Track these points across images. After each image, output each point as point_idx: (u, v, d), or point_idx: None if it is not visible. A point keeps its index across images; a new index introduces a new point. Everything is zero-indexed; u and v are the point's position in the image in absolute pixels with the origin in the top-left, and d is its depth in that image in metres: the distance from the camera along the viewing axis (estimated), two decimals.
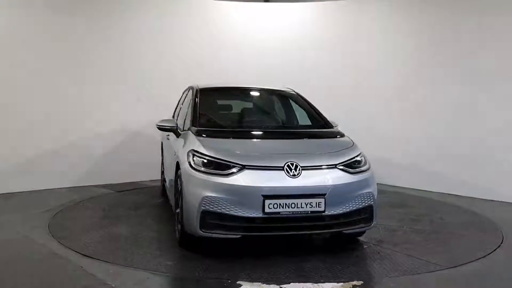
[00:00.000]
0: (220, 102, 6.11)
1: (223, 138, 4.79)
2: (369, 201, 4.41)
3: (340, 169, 4.38)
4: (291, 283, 3.73)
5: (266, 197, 4.07)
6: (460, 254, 4.52)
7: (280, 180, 4.17)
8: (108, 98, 7.59)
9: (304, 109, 5.66)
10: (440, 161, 7.37)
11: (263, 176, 4.19)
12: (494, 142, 6.88)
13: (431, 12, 7.51)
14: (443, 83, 7.39)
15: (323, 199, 4.16)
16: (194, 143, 4.55)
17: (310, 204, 4.14)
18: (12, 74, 6.83)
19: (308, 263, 4.20)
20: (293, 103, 5.88)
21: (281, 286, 3.67)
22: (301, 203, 4.12)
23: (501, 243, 4.88)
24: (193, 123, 5.01)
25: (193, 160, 4.34)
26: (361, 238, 4.85)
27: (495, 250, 4.66)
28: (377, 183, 4.64)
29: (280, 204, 4.09)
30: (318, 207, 4.15)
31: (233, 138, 4.83)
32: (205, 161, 4.30)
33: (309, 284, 3.72)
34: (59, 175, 7.19)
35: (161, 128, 5.35)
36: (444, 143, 7.35)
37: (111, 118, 7.60)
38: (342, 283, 3.75)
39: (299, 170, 4.23)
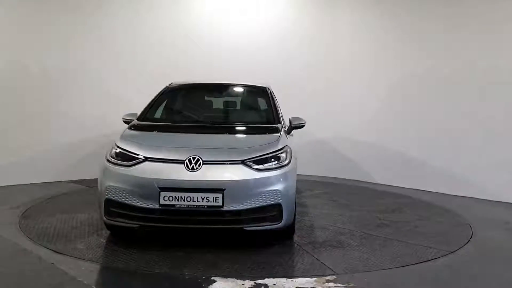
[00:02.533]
0: (182, 98, 6.07)
1: (150, 131, 4.99)
2: (276, 199, 4.28)
3: (246, 165, 4.31)
4: (265, 278, 3.75)
5: (162, 189, 4.15)
6: (376, 263, 4.21)
7: (178, 173, 4.22)
8: (84, 95, 7.53)
9: (264, 105, 5.64)
10: (435, 160, 7.41)
11: (161, 169, 4.26)
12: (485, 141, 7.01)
13: (415, 10, 7.64)
14: (430, 81, 7.51)
15: (221, 194, 4.15)
16: (120, 135, 4.76)
17: (206, 198, 4.14)
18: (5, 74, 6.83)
19: (198, 255, 4.23)
20: (256, 99, 5.91)
21: (255, 281, 3.70)
22: (197, 197, 4.14)
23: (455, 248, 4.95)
24: (138, 117, 5.28)
25: (110, 152, 4.53)
26: (295, 237, 4.81)
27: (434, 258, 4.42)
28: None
29: (175, 197, 4.14)
30: (216, 202, 4.15)
31: (159, 131, 4.99)
32: (117, 152, 4.48)
33: (283, 280, 3.75)
34: (30, 171, 7.06)
35: (125, 121, 5.37)
36: (433, 143, 7.48)
37: (83, 113, 7.48)
38: (315, 278, 3.80)
39: (200, 164, 4.24)
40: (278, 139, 4.70)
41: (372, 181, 7.95)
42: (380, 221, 5.58)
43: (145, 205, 4.19)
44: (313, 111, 7.86)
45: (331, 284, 3.70)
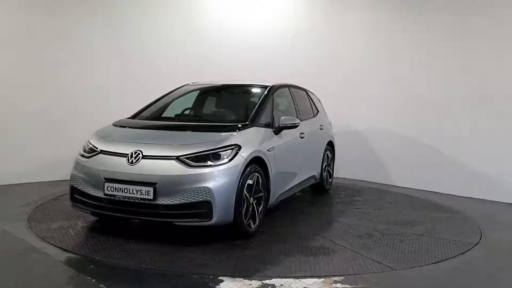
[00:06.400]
0: (179, 98, 6.15)
1: (124, 127, 5.17)
2: (205, 196, 4.30)
3: (181, 161, 4.37)
4: (273, 279, 3.75)
5: (106, 180, 4.47)
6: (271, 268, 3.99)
7: (120, 166, 4.48)
8: (92, 94, 7.57)
9: (254, 104, 5.51)
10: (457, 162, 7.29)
11: (108, 161, 4.58)
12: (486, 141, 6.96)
13: (422, 10, 7.59)
14: (428, 83, 7.48)
15: (153, 188, 4.29)
16: (95, 131, 5.14)
17: (140, 191, 4.34)
18: (13, 72, 6.97)
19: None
20: (250, 99, 5.92)
21: (262, 281, 3.69)
22: (132, 189, 4.36)
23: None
24: (131, 116, 5.64)
25: (84, 146, 4.92)
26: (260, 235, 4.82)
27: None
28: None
29: (115, 187, 4.42)
30: (147, 195, 4.31)
31: (130, 128, 5.16)
32: (87, 146, 4.87)
33: (290, 280, 3.74)
34: (39, 169, 7.12)
35: None
36: (437, 142, 7.45)
37: (91, 112, 7.48)
38: (323, 279, 3.79)
39: (139, 158, 4.43)
40: (228, 137, 4.64)
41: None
42: (373, 233, 5.11)
43: (95, 193, 4.54)
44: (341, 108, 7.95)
45: (338, 285, 3.69)
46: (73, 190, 4.77)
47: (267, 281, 3.70)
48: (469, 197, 7.03)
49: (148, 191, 4.31)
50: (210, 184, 4.33)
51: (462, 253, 4.57)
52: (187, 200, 4.30)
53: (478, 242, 4.92)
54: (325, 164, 6.99)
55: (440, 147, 7.42)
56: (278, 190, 5.38)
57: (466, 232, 5.32)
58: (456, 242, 4.88)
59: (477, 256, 4.55)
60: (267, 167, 4.99)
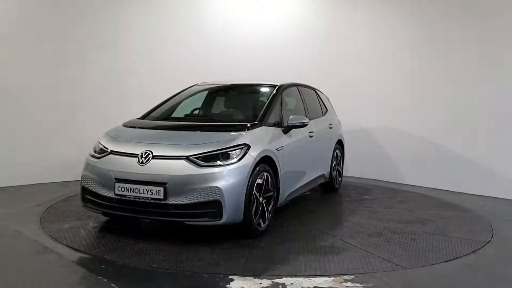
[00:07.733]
0: (187, 99, 6.19)
1: (134, 128, 5.22)
2: (215, 195, 4.31)
3: (190, 161, 4.40)
4: (283, 277, 3.75)
5: (117, 180, 4.50)
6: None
7: (130, 166, 4.51)
8: (101, 95, 7.64)
9: (263, 104, 5.53)
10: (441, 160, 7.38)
11: (119, 161, 4.61)
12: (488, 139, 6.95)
13: (425, 9, 7.56)
14: (436, 81, 7.44)
15: (163, 188, 4.31)
16: (106, 132, 5.20)
17: (150, 191, 4.36)
18: (23, 73, 7.02)
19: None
20: (259, 98, 5.94)
21: (273, 280, 3.70)
22: (143, 189, 4.38)
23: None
24: (141, 116, 5.67)
25: (94, 147, 4.96)
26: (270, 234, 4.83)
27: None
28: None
29: (126, 188, 4.45)
30: (158, 195, 4.34)
31: (140, 128, 5.21)
32: (98, 147, 4.91)
33: (300, 279, 3.75)
34: (50, 169, 7.18)
35: None
36: (437, 141, 7.45)
37: (101, 114, 7.54)
38: (333, 278, 3.78)
39: (150, 158, 4.46)
40: (237, 137, 4.65)
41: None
42: (383, 231, 5.06)
43: (106, 194, 4.57)
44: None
45: (349, 283, 3.68)
46: (84, 191, 4.81)
47: (277, 280, 3.70)
48: (480, 195, 6.97)
49: (158, 191, 4.34)
50: (220, 184, 4.34)
51: (474, 252, 4.54)
52: (197, 199, 4.32)
53: (489, 241, 4.89)
54: (334, 163, 6.98)
55: (450, 145, 7.37)
56: (287, 189, 5.38)
57: (477, 230, 5.28)
58: (467, 241, 4.85)
59: (489, 255, 4.52)
60: (276, 167, 5.00)
